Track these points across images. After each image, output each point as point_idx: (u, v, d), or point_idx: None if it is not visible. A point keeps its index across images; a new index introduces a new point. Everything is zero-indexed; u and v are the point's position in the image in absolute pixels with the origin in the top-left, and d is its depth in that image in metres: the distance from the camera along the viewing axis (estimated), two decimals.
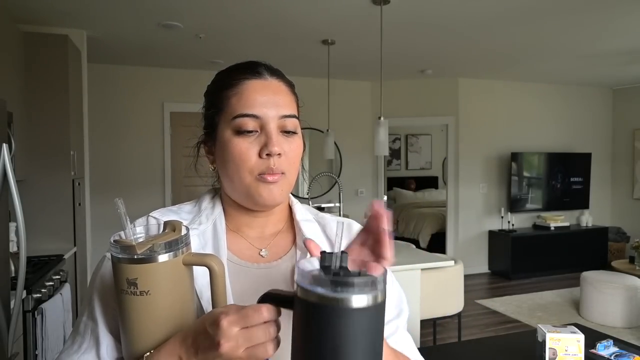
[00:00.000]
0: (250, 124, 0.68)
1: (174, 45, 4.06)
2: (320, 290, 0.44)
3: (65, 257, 2.94)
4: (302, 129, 0.78)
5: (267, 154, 0.68)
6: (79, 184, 3.44)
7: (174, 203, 5.07)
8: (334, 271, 0.47)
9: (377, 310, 0.45)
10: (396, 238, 3.09)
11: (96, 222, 4.40)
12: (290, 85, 0.76)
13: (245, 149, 0.68)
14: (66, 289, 2.70)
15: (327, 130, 4.36)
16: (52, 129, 3.13)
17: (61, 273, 2.75)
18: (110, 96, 4.79)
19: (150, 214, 0.74)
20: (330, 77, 4.56)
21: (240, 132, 0.68)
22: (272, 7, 3.13)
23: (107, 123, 4.78)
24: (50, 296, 2.42)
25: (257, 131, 0.69)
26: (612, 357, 1.52)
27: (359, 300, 0.43)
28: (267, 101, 0.69)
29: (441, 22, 3.47)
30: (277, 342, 0.53)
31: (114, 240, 0.55)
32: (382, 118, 3.16)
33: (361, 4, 3.07)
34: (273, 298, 0.52)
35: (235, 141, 0.69)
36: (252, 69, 0.72)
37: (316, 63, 4.61)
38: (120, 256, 0.53)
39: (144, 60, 4.65)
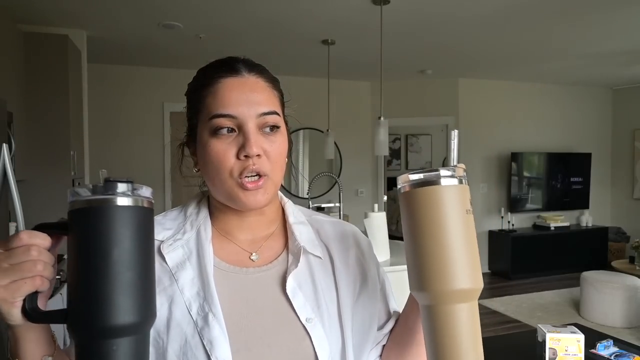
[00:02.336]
0: (226, 125, 0.65)
1: (174, 45, 4.06)
2: (87, 195, 0.49)
3: (65, 257, 2.94)
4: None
5: (245, 156, 0.65)
6: (79, 184, 3.44)
7: (174, 203, 5.09)
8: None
9: (141, 212, 0.51)
10: (396, 238, 3.09)
11: None
12: (272, 81, 0.72)
13: (223, 150, 0.65)
14: (66, 290, 2.70)
15: (327, 130, 4.36)
16: (52, 129, 3.13)
17: (61, 273, 2.75)
18: (110, 96, 4.80)
19: None
20: (330, 77, 4.56)
21: (217, 133, 0.66)
22: (272, 7, 3.13)
23: (107, 123, 4.78)
24: (50, 296, 2.42)
25: (234, 131, 0.66)
26: (612, 357, 1.52)
27: (123, 200, 0.50)
28: (243, 100, 0.66)
29: (441, 22, 3.47)
30: (49, 272, 0.52)
31: (445, 171, 0.55)
32: (382, 118, 3.16)
33: (361, 4, 3.07)
34: (42, 226, 0.53)
35: (212, 143, 0.66)
36: (228, 66, 0.69)
37: (316, 63, 4.61)
38: (457, 180, 0.55)
39: (144, 60, 4.65)
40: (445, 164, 8.10)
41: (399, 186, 0.57)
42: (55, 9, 3.13)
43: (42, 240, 0.51)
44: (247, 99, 0.67)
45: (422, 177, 0.55)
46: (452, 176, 0.55)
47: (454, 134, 0.60)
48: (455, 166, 0.57)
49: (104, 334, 0.48)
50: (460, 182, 0.55)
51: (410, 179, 0.55)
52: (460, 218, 0.54)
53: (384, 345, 0.78)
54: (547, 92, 6.19)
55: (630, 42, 4.10)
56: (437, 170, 0.55)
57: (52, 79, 3.15)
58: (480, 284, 0.54)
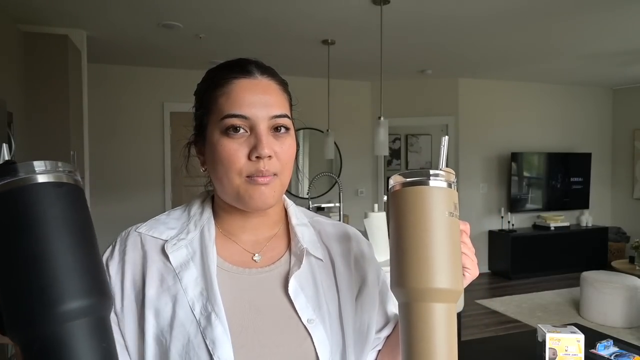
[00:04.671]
0: (239, 125, 0.66)
1: (174, 45, 4.06)
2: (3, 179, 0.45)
3: None
4: (297, 129, 0.76)
5: (257, 157, 0.65)
6: None
7: (174, 203, 5.08)
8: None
9: (67, 189, 0.47)
10: None
11: (96, 222, 4.36)
12: (282, 84, 0.73)
13: (234, 150, 0.66)
14: None
15: (327, 130, 4.36)
16: (52, 129, 3.13)
17: None
18: (110, 96, 4.80)
19: (137, 229, 0.72)
20: (330, 77, 4.56)
21: (229, 133, 0.66)
22: (273, 7, 3.13)
23: (107, 123, 4.78)
24: None
25: (246, 132, 0.66)
26: (612, 357, 1.52)
27: (43, 177, 0.45)
28: (256, 101, 0.67)
29: (441, 22, 3.47)
30: None
31: (434, 173, 0.57)
32: (382, 118, 3.16)
33: (361, 4, 3.07)
34: None
35: (224, 142, 0.66)
36: (241, 68, 0.69)
37: (316, 63, 4.61)
38: (444, 183, 0.57)
39: (144, 60, 4.65)
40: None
41: (389, 186, 0.59)
42: (55, 9, 3.13)
43: None
44: (260, 101, 0.67)
45: (411, 176, 0.57)
46: (440, 179, 0.56)
47: (444, 140, 0.62)
48: (442, 169, 0.58)
49: (47, 322, 0.43)
50: (449, 186, 0.57)
51: (401, 178, 0.57)
52: (444, 220, 0.55)
53: (379, 351, 0.79)
54: (547, 92, 6.19)
55: (630, 42, 4.10)
56: (427, 171, 0.56)
57: (52, 79, 3.15)
58: (458, 287, 0.55)
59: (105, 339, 0.47)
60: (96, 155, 4.58)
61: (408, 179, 0.56)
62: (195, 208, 0.75)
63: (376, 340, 0.78)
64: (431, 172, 0.56)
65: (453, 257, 0.55)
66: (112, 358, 0.48)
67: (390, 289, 0.57)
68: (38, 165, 0.45)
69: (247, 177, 0.66)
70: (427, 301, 0.53)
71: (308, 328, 0.67)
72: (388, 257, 2.74)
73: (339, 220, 3.43)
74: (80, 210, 0.48)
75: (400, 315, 0.56)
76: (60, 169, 0.47)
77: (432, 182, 0.56)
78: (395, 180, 0.58)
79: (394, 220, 0.57)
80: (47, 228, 0.44)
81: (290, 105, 0.74)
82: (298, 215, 0.79)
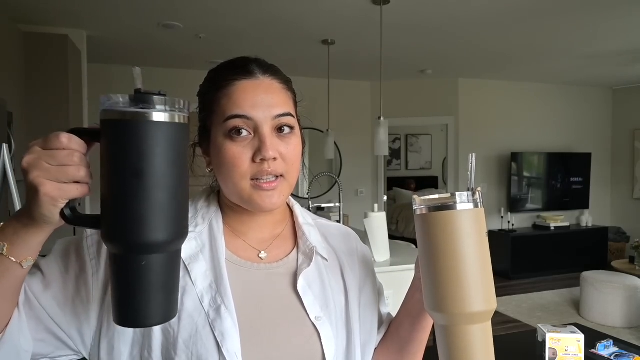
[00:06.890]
0: (241, 127, 0.65)
1: (174, 45, 4.06)
2: (121, 107, 0.47)
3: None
4: (302, 128, 0.76)
5: (261, 159, 0.64)
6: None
7: None
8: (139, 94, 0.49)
9: (178, 129, 0.49)
10: (396, 238, 3.09)
11: None
12: (285, 82, 0.72)
13: (239, 153, 0.65)
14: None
15: (327, 130, 4.36)
16: (52, 129, 3.12)
17: None
18: None
19: None
20: (330, 77, 4.56)
21: (232, 135, 0.65)
22: (272, 7, 3.13)
23: None
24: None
25: (250, 134, 0.66)
26: (612, 357, 1.52)
27: (159, 115, 0.47)
28: (259, 102, 0.66)
29: (441, 22, 3.47)
30: (89, 180, 0.52)
31: (461, 197, 0.56)
32: (382, 118, 3.16)
33: (361, 4, 3.07)
34: (75, 131, 0.52)
35: (227, 145, 0.65)
36: (242, 68, 0.69)
37: (316, 63, 4.61)
38: (472, 205, 0.56)
39: (144, 60, 4.65)
40: (444, 164, 8.09)
41: (414, 207, 0.59)
42: (55, 9, 3.13)
43: (80, 146, 0.51)
44: (262, 101, 0.66)
45: (439, 200, 0.56)
46: (468, 200, 0.56)
47: (472, 157, 0.61)
48: (473, 189, 0.57)
49: (133, 249, 0.48)
50: (476, 205, 0.56)
51: (427, 201, 0.57)
52: (475, 242, 0.55)
53: (375, 349, 0.80)
54: (547, 92, 6.19)
55: (630, 42, 4.10)
56: (453, 194, 0.56)
57: (52, 79, 3.15)
58: (493, 305, 0.57)
59: (172, 271, 0.52)
60: (96, 155, 4.56)
61: (437, 203, 0.56)
62: (202, 202, 0.75)
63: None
64: (457, 195, 0.56)
65: (487, 277, 0.56)
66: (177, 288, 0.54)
67: (426, 310, 0.59)
68: (159, 102, 0.47)
69: (253, 179, 0.66)
70: (466, 324, 0.56)
71: (316, 325, 0.68)
72: (388, 258, 2.74)
73: (339, 220, 3.40)
74: (184, 149, 0.51)
75: (438, 335, 0.58)
76: (176, 107, 0.49)
77: (461, 206, 0.55)
78: (421, 202, 0.58)
79: (425, 245, 0.57)
80: (154, 166, 0.47)
81: (295, 103, 0.74)
82: (304, 215, 0.80)
